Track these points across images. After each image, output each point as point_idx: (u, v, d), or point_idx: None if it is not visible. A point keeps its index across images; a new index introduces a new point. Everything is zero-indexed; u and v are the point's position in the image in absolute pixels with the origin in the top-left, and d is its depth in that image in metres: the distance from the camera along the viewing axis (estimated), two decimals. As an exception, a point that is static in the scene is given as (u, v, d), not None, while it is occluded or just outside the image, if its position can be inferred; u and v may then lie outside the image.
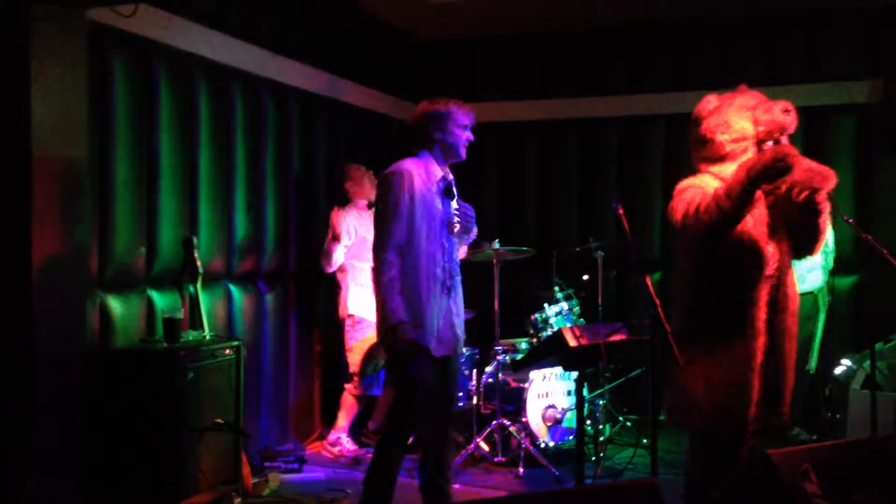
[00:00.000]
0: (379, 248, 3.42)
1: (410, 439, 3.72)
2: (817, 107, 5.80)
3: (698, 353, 2.96)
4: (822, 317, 5.31)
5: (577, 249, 5.53)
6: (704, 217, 2.85)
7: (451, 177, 3.67)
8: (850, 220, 3.91)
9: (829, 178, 2.94)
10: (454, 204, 3.61)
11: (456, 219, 3.55)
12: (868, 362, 4.84)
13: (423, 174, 3.53)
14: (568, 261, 5.70)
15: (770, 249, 3.03)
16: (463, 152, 3.67)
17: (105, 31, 3.84)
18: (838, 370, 5.17)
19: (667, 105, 6.15)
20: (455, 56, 6.80)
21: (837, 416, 5.08)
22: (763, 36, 6.01)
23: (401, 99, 6.49)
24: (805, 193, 2.92)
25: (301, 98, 5.31)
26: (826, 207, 2.99)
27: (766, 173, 2.78)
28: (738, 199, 2.79)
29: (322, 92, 5.47)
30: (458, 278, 3.63)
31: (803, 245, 3.10)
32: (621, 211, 3.17)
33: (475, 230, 3.71)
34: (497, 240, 4.99)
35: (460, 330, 3.58)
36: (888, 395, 4.73)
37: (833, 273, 5.58)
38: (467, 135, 3.66)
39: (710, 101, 3.08)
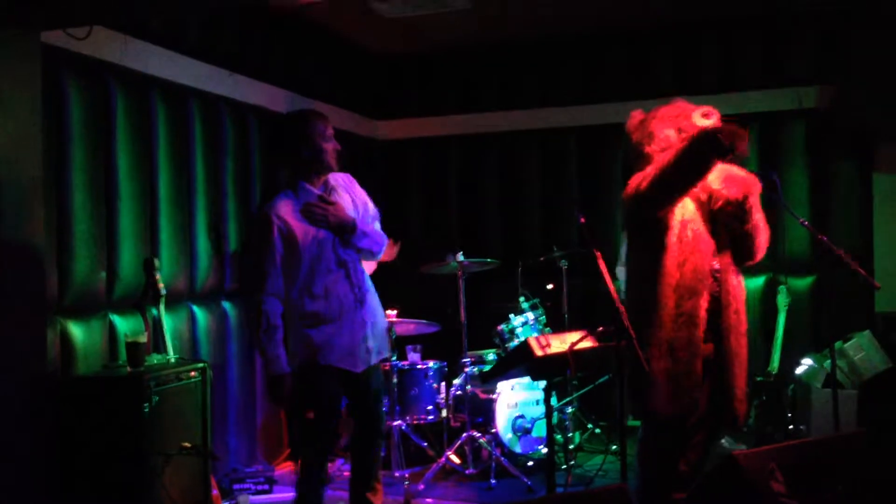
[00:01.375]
0: (256, 293, 3.43)
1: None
2: (771, 112, 5.92)
3: (646, 341, 3.02)
4: (781, 317, 5.40)
5: (542, 259, 5.57)
6: (646, 186, 2.96)
7: (332, 184, 3.59)
8: (805, 223, 3.99)
9: (753, 185, 3.07)
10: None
11: (315, 209, 3.45)
12: (829, 361, 4.94)
13: (291, 203, 3.48)
14: (532, 270, 5.73)
15: (716, 265, 3.12)
16: (332, 162, 3.54)
17: (59, 54, 3.79)
18: (800, 370, 5.27)
19: (626, 114, 6.18)
20: (415, 70, 6.83)
21: (801, 415, 5.16)
22: (718, 42, 6.11)
23: (362, 115, 6.51)
24: (732, 204, 3.05)
25: (260, 116, 5.29)
26: (754, 213, 3.10)
27: (700, 139, 2.85)
28: (676, 163, 2.88)
29: (281, 109, 5.45)
30: (366, 288, 3.61)
31: (743, 253, 3.21)
32: (583, 220, 3.21)
33: (354, 229, 3.53)
34: (461, 252, 5.01)
35: (373, 342, 3.58)
36: (849, 393, 4.83)
37: (789, 274, 5.71)
38: (330, 144, 3.54)
39: (635, 115, 3.22)
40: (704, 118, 3.07)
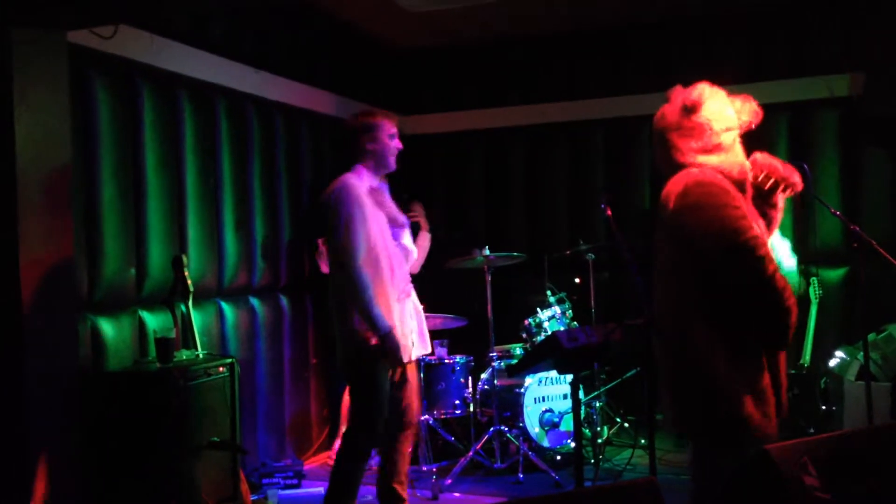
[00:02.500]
0: (349, 261, 3.46)
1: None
2: (801, 102, 5.84)
3: (715, 360, 2.88)
4: (813, 310, 5.33)
5: (568, 252, 5.54)
6: (767, 269, 2.70)
7: (385, 188, 3.79)
8: (838, 213, 3.93)
9: (798, 177, 3.00)
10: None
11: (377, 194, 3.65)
12: (861, 353, 4.86)
13: (364, 186, 3.64)
14: (559, 264, 5.71)
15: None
16: (393, 162, 3.75)
17: (86, 54, 3.83)
18: (832, 362, 5.19)
19: (653, 105, 6.07)
20: (438, 65, 6.82)
21: (833, 407, 5.09)
22: (746, 32, 6.03)
23: (387, 110, 6.50)
24: (782, 187, 2.97)
25: (285, 112, 5.31)
26: (782, 203, 3.03)
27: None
28: (779, 305, 2.72)
29: (306, 105, 5.47)
30: (411, 285, 3.76)
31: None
32: (609, 212, 3.17)
33: (406, 229, 3.83)
34: (487, 246, 4.99)
35: (415, 336, 3.70)
36: (882, 386, 4.75)
37: (821, 265, 5.63)
38: (396, 144, 3.74)
39: (704, 89, 3.02)
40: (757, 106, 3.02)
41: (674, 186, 2.87)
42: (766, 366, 2.85)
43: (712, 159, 2.94)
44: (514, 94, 6.66)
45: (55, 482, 3.36)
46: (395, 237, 3.73)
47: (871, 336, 4.89)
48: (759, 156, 3.02)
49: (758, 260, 2.68)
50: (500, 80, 6.71)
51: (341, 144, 5.98)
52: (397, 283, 3.64)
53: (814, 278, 5.43)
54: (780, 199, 3.04)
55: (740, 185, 2.93)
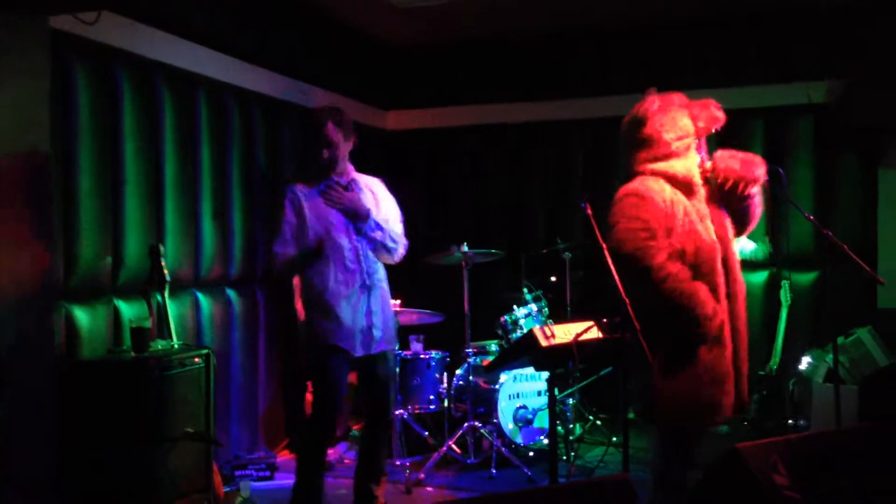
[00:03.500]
0: (267, 250, 3.72)
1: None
2: (777, 107, 5.92)
3: (674, 351, 2.99)
4: (784, 313, 5.41)
5: (545, 251, 5.57)
6: (655, 278, 2.93)
7: (347, 180, 3.77)
8: (811, 217, 3.99)
9: (759, 167, 3.06)
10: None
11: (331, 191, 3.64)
12: (830, 356, 4.94)
13: (307, 187, 3.69)
14: (536, 262, 5.74)
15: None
16: (322, 163, 3.73)
17: (67, 39, 3.79)
18: (801, 365, 5.27)
19: (630, 107, 6.20)
20: (422, 61, 6.82)
21: (801, 421, 5.16)
22: (723, 37, 6.10)
23: (370, 105, 6.51)
24: (742, 185, 3.04)
25: (266, 104, 5.29)
26: (755, 193, 3.09)
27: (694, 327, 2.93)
28: (676, 306, 2.90)
29: (287, 97, 5.45)
30: (377, 276, 3.76)
31: (737, 227, 3.20)
32: (589, 210, 3.20)
33: (368, 218, 3.73)
34: (465, 242, 5.01)
35: (379, 330, 3.71)
36: (850, 389, 4.83)
37: (792, 269, 5.72)
38: (326, 152, 3.71)
39: (654, 101, 3.16)
40: (718, 111, 3.08)
41: (620, 190, 3.13)
42: (705, 358, 2.97)
43: (661, 165, 3.08)
44: (495, 91, 6.68)
45: (30, 471, 3.33)
46: (367, 229, 3.71)
47: (839, 339, 4.97)
48: (718, 156, 3.10)
49: (643, 270, 2.92)
50: (482, 78, 6.72)
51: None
52: (349, 276, 3.65)
53: (785, 282, 5.50)
54: (755, 194, 3.10)
55: (686, 185, 3.04)
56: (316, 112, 3.79)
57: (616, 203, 3.09)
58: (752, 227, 3.26)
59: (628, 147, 3.20)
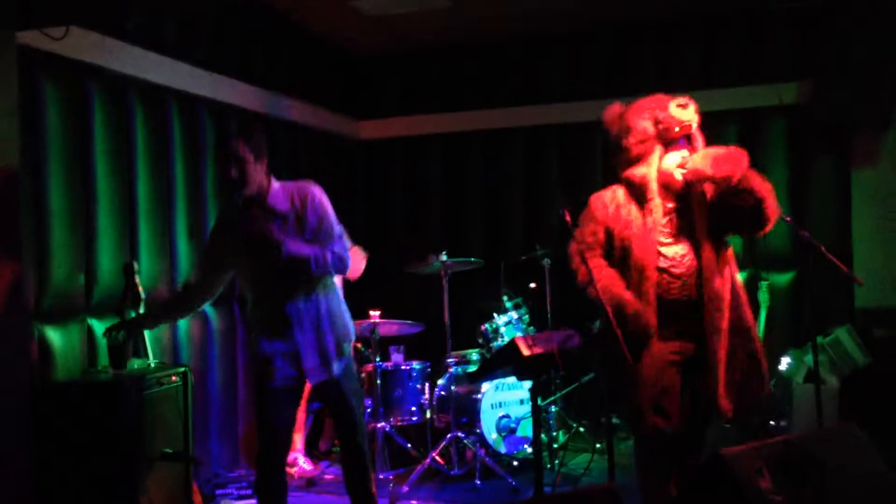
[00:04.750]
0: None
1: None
2: (750, 109, 5.96)
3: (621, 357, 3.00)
4: (763, 314, 5.43)
5: (524, 258, 5.56)
6: (580, 277, 3.19)
7: (262, 196, 3.39)
8: (788, 219, 4.00)
9: (736, 163, 3.01)
10: None
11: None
12: (809, 356, 4.97)
13: (231, 211, 3.43)
14: (515, 270, 5.73)
15: (679, 251, 3.09)
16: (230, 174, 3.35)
17: (35, 55, 3.72)
18: (781, 366, 5.30)
19: (603, 111, 6.23)
20: (396, 69, 6.80)
21: (782, 423, 5.17)
22: (696, 40, 6.14)
23: (344, 115, 6.48)
24: (716, 185, 3.03)
25: (240, 116, 5.24)
26: (751, 183, 3.03)
27: (622, 325, 2.98)
28: (599, 299, 3.01)
29: (261, 109, 5.41)
30: (305, 308, 3.31)
31: (749, 224, 3.14)
32: (568, 217, 3.20)
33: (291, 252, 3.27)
34: (444, 252, 4.99)
35: (312, 361, 3.31)
36: (830, 388, 4.86)
37: (770, 270, 5.74)
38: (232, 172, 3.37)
39: (613, 108, 3.23)
40: (681, 108, 3.08)
41: None
42: (659, 363, 3.05)
43: (637, 171, 3.14)
44: (470, 98, 6.67)
45: (6, 495, 3.25)
46: (288, 251, 3.24)
47: (818, 339, 5.00)
48: (691, 157, 3.08)
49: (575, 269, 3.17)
50: (457, 85, 6.72)
51: (304, 151, 5.96)
52: (269, 302, 3.34)
53: (763, 283, 5.53)
54: (754, 187, 3.04)
55: (640, 192, 3.07)
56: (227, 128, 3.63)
57: (585, 209, 3.31)
58: (769, 226, 3.12)
59: (611, 155, 3.32)
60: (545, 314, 5.43)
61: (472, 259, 5.13)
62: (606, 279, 3.10)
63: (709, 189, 3.11)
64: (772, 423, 5.22)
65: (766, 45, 5.98)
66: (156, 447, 3.71)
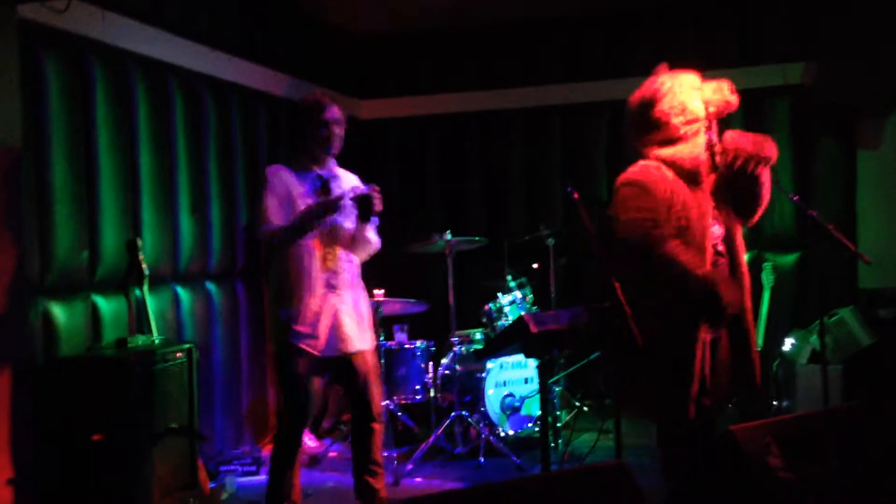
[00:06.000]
0: (257, 232, 3.55)
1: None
2: (754, 89, 5.91)
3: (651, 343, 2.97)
4: (766, 295, 5.42)
5: (527, 238, 5.54)
6: (657, 263, 2.92)
7: (329, 174, 3.64)
8: (796, 198, 3.99)
9: (773, 148, 3.02)
10: (353, 191, 3.56)
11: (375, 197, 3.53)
12: (813, 337, 4.97)
13: (290, 175, 3.56)
14: (519, 249, 5.71)
15: (717, 230, 3.08)
16: (328, 148, 3.59)
17: (37, 29, 3.68)
18: (785, 346, 5.29)
19: (607, 92, 6.21)
20: (396, 49, 6.75)
21: (785, 403, 5.18)
22: (699, 20, 6.09)
23: (344, 95, 6.42)
24: (752, 164, 2.99)
25: (242, 94, 5.21)
26: (767, 175, 3.05)
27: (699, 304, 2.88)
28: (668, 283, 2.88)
29: (262, 88, 5.37)
30: (347, 276, 3.58)
31: (746, 210, 3.14)
32: (577, 196, 3.16)
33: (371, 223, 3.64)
34: (448, 231, 4.97)
35: (350, 329, 3.54)
36: (834, 369, 4.86)
37: (774, 251, 5.73)
38: (327, 131, 3.57)
39: (664, 82, 3.07)
40: (731, 94, 3.03)
41: (620, 178, 3.07)
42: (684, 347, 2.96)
43: (667, 151, 3.00)
44: (470, 79, 6.63)
45: (9, 471, 3.25)
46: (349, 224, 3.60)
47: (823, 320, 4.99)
48: (729, 136, 3.05)
49: (656, 259, 2.90)
50: (457, 65, 6.67)
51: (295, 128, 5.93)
52: (324, 272, 3.52)
53: (767, 264, 5.52)
54: (764, 174, 3.05)
55: (692, 175, 2.99)
56: (319, 96, 3.66)
57: (616, 192, 3.05)
58: (761, 212, 3.16)
59: (635, 128, 3.12)
60: (549, 294, 5.42)
61: (477, 238, 5.11)
62: (689, 258, 2.92)
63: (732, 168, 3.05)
64: (775, 403, 5.23)
65: (769, 25, 5.94)
66: (161, 423, 3.71)
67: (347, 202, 3.51)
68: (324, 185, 3.58)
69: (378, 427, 3.70)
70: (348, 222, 3.59)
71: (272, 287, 3.60)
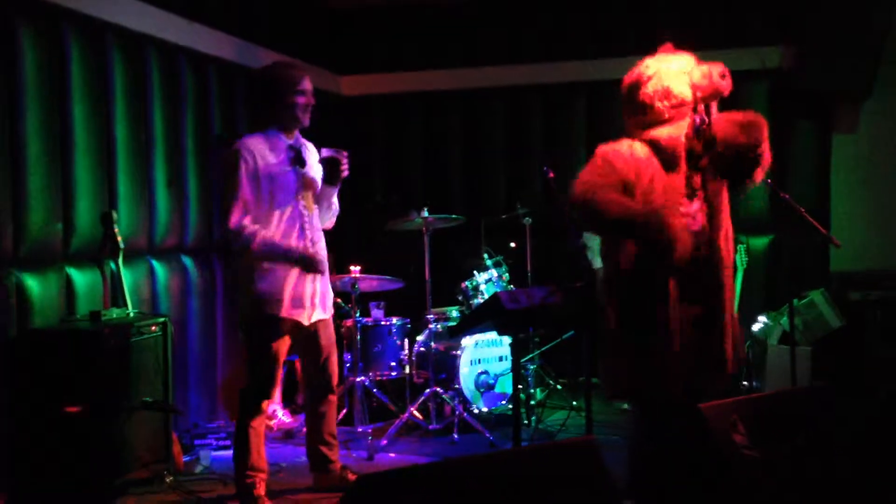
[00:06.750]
0: (226, 217, 3.45)
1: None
2: (732, 72, 5.93)
3: (623, 320, 2.99)
4: (739, 276, 5.48)
5: (505, 216, 5.56)
6: (584, 211, 2.93)
7: (300, 144, 3.67)
8: (770, 181, 4.03)
9: (762, 128, 3.00)
10: (323, 153, 3.63)
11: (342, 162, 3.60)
12: (784, 319, 5.04)
13: (265, 147, 3.54)
14: (496, 228, 5.74)
15: (694, 207, 3.06)
16: (302, 118, 3.61)
17: (10, -1, 3.64)
18: (756, 327, 5.37)
19: (588, 72, 6.23)
20: (378, 25, 6.71)
21: (755, 383, 5.26)
22: (680, 1, 6.11)
23: (322, 68, 6.39)
24: (751, 154, 2.98)
25: (220, 67, 5.17)
26: (765, 150, 3.02)
27: (645, 238, 2.85)
28: (613, 229, 2.91)
29: (241, 61, 5.32)
30: (320, 245, 3.66)
31: (746, 174, 3.08)
32: (552, 175, 3.18)
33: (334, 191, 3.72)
34: (425, 208, 4.97)
35: (319, 298, 3.63)
36: (804, 350, 4.94)
37: (748, 234, 5.79)
38: (303, 99, 3.59)
39: (649, 66, 3.05)
40: (722, 79, 2.99)
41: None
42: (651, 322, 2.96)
43: (661, 132, 3.00)
44: (453, 56, 6.61)
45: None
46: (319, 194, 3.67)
47: (793, 302, 5.06)
48: (720, 124, 3.02)
49: (592, 206, 2.88)
50: (439, 42, 6.65)
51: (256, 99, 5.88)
52: (297, 243, 3.53)
53: (741, 246, 5.57)
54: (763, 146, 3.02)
55: (668, 157, 2.99)
56: (289, 63, 3.66)
57: (591, 160, 3.05)
58: (762, 174, 3.09)
59: (625, 110, 3.11)
60: (525, 273, 5.45)
61: (454, 216, 5.12)
62: (612, 197, 2.91)
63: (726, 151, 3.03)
64: (744, 383, 5.31)
65: (749, 9, 5.96)
66: (135, 396, 3.71)
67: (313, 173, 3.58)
68: (297, 156, 3.58)
69: (335, 399, 3.81)
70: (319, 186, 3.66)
71: (246, 256, 3.50)
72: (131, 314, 3.96)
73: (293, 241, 3.51)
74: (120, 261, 4.06)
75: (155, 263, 4.60)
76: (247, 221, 3.43)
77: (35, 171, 3.79)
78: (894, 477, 2.84)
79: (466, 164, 6.64)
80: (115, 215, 4.10)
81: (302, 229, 3.56)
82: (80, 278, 4.03)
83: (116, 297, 4.07)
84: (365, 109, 6.78)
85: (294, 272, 3.51)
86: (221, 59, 5.15)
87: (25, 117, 3.75)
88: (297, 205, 3.55)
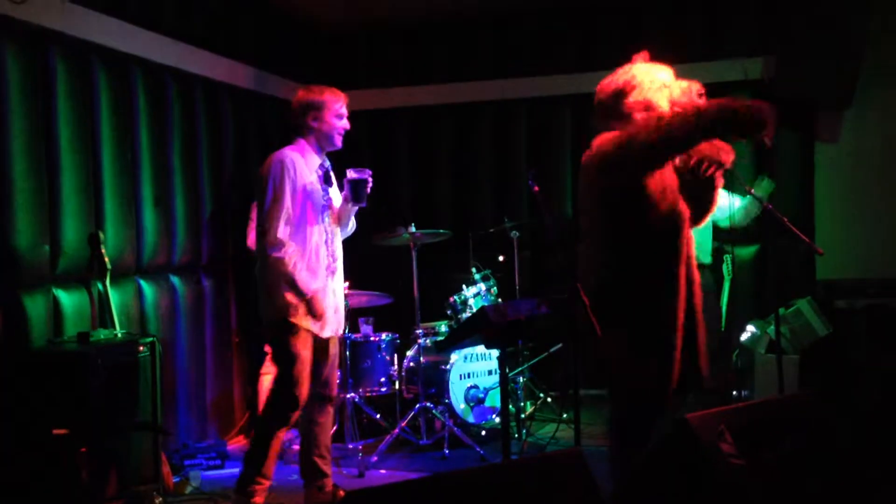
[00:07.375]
0: (270, 229, 3.53)
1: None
2: (714, 84, 5.98)
3: (622, 316, 2.99)
4: (726, 286, 5.51)
5: (492, 230, 5.58)
6: (632, 146, 2.80)
7: (328, 164, 3.83)
8: (753, 191, 4.07)
9: (731, 154, 3.05)
10: (351, 175, 3.78)
11: (353, 183, 3.75)
12: (772, 327, 5.06)
13: (303, 161, 3.67)
14: (484, 242, 5.76)
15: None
16: (338, 141, 3.80)
17: (-5, 19, 3.65)
18: (744, 336, 5.39)
19: (573, 86, 6.27)
20: (361, 43, 6.75)
21: (745, 393, 5.28)
22: (663, 15, 6.17)
23: (308, 85, 6.41)
24: (711, 168, 3.01)
25: (206, 86, 5.18)
26: (720, 182, 3.08)
27: (724, 124, 2.74)
28: (677, 135, 2.73)
29: (227, 81, 5.34)
30: (340, 260, 3.82)
31: (697, 214, 3.12)
32: (537, 189, 3.21)
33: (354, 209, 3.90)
34: (413, 223, 4.99)
35: (341, 313, 3.80)
36: (791, 358, 4.96)
37: (734, 244, 5.82)
38: (342, 124, 3.78)
39: (635, 75, 3.07)
40: (700, 98, 3.00)
41: (594, 148, 3.02)
42: (655, 323, 2.94)
43: None
44: (439, 71, 6.65)
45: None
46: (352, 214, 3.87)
47: (780, 311, 5.09)
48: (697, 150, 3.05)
49: (634, 144, 2.77)
50: (424, 58, 6.69)
51: (271, 121, 5.90)
52: (324, 259, 3.69)
53: (727, 256, 5.60)
54: (718, 178, 3.06)
55: None
56: (326, 88, 3.82)
57: (593, 150, 3.00)
58: (708, 216, 3.14)
59: (604, 115, 3.09)
60: (514, 287, 5.47)
61: (441, 231, 5.14)
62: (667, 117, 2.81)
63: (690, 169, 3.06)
64: (734, 392, 5.32)
65: (731, 20, 6.02)
66: (124, 417, 3.70)
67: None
68: (326, 175, 3.76)
69: (332, 410, 3.90)
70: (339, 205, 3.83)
71: (280, 265, 3.53)
72: (119, 335, 3.95)
73: (320, 259, 3.66)
74: (107, 281, 4.06)
75: (143, 283, 4.59)
76: (287, 235, 3.54)
77: (21, 192, 3.79)
78: (881, 483, 2.85)
79: (453, 178, 6.66)
80: (101, 236, 4.11)
81: (327, 245, 3.71)
82: (68, 299, 4.02)
83: (104, 317, 4.06)
84: (353, 124, 6.77)
85: (319, 286, 3.62)
86: (208, 78, 5.16)
87: (10, 138, 3.75)
88: (323, 221, 3.70)
